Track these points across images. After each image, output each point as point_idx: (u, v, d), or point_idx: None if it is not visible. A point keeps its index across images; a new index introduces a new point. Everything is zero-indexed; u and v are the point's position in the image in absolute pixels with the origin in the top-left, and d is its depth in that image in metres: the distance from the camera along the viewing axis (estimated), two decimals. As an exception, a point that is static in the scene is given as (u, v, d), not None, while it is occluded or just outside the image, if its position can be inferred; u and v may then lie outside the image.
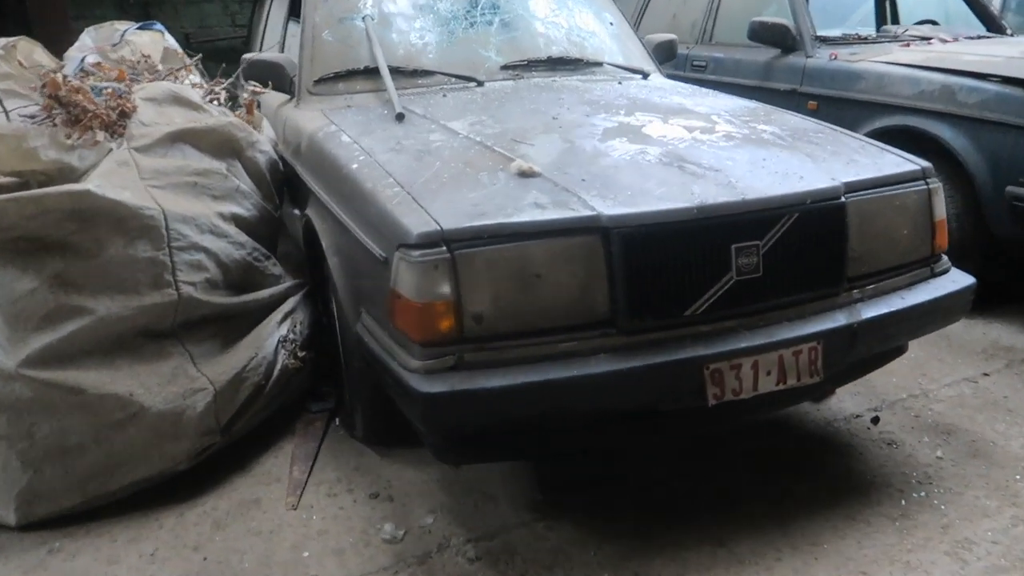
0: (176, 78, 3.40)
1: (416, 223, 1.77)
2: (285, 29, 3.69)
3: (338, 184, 2.19)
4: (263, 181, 2.66)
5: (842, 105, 3.76)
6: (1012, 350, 3.04)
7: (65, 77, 2.19)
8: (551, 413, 1.84)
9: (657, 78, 3.28)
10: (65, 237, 2.00)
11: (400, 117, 2.51)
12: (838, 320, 2.02)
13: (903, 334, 2.20)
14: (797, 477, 2.27)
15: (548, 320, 1.81)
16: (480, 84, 2.93)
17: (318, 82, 2.94)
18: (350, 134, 2.42)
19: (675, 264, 1.86)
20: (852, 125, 3.57)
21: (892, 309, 2.09)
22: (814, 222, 1.99)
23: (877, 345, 2.16)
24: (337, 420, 2.61)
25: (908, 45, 3.99)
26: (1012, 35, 4.49)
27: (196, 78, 3.48)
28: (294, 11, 3.64)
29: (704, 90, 3.11)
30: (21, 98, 2.49)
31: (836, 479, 2.28)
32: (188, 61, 3.81)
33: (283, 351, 2.46)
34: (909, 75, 3.50)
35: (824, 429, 2.55)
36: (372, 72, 2.92)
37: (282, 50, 3.66)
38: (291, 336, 2.51)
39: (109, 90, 2.23)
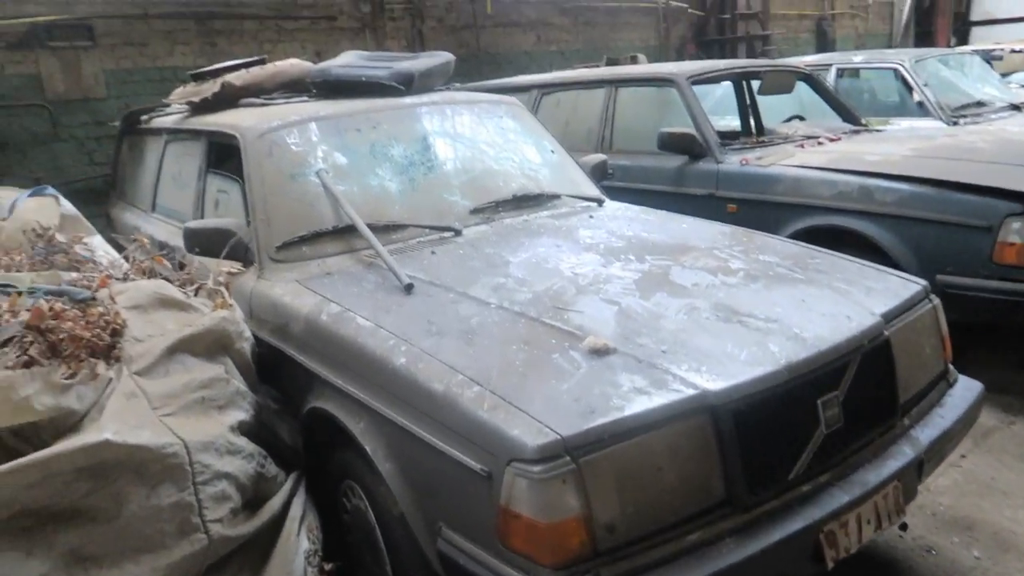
0: (76, 245, 3.01)
1: (529, 433, 1.61)
2: (203, 183, 3.37)
3: (383, 381, 1.97)
4: (249, 371, 2.36)
5: (762, 207, 3.99)
6: (974, 425, 3.26)
7: (48, 303, 1.82)
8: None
9: (612, 204, 3.32)
10: (76, 501, 1.63)
11: (410, 288, 2.33)
12: (906, 454, 2.07)
13: (950, 449, 2.29)
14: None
15: (673, 513, 1.70)
16: (458, 233, 2.81)
17: (281, 248, 2.69)
18: (363, 314, 2.20)
19: (776, 429, 1.84)
20: (775, 225, 3.82)
21: (942, 430, 2.18)
22: (872, 361, 2.05)
23: (935, 467, 2.22)
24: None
25: (803, 146, 4.34)
26: (867, 126, 5.01)
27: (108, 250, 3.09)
28: (213, 163, 3.37)
29: (666, 214, 3.18)
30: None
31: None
32: (87, 224, 3.39)
33: (310, 568, 2.14)
34: (825, 178, 3.78)
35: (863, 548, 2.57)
36: (342, 231, 2.73)
37: (201, 208, 3.34)
38: (312, 547, 2.20)
39: (98, 308, 1.88)
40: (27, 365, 1.74)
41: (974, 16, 15.85)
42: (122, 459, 1.67)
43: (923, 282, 2.42)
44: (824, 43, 13.12)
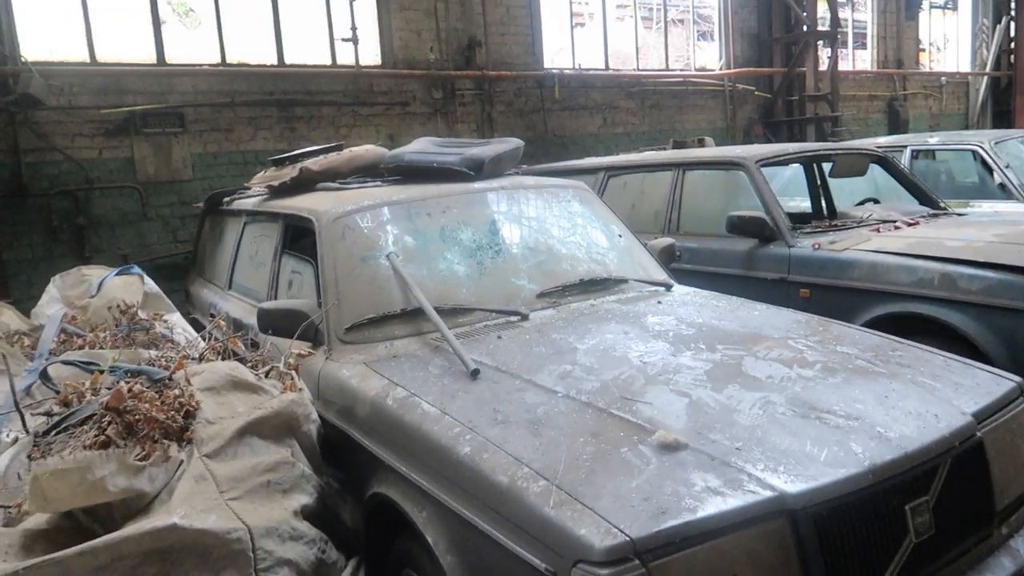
0: (156, 322, 3.11)
1: (597, 534, 1.55)
2: (278, 263, 3.48)
3: (446, 470, 1.94)
4: (315, 454, 2.37)
5: (837, 293, 3.88)
6: None
7: (128, 384, 1.88)
8: None
9: (681, 289, 3.27)
10: (141, 586, 1.63)
11: (475, 374, 2.32)
12: (1006, 567, 1.92)
13: (1055, 564, 2.10)
14: None
15: (750, 625, 1.59)
16: (525, 317, 2.80)
17: (350, 329, 2.73)
18: (428, 400, 2.19)
19: (862, 537, 1.72)
20: (850, 312, 3.70)
21: (1046, 542, 2.01)
22: (964, 464, 1.92)
23: (1037, 583, 2.04)
24: None
25: (879, 230, 4.23)
26: (947, 209, 4.87)
27: (186, 327, 3.19)
28: (288, 245, 3.48)
29: (738, 300, 3.11)
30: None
31: None
32: (168, 302, 3.53)
33: (367, 660, 2.08)
34: (903, 264, 3.66)
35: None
36: (409, 314, 2.75)
37: (275, 288, 3.43)
38: (370, 640, 2.14)
39: (174, 391, 1.93)
40: (104, 445, 1.78)
41: (1055, 95, 15.46)
42: (188, 543, 1.68)
43: (1018, 378, 2.28)
44: (896, 124, 12.99)
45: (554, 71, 8.74)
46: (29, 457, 1.83)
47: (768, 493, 1.66)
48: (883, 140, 6.94)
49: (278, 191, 3.79)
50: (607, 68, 9.70)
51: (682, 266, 4.66)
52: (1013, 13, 14.82)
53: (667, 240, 3.72)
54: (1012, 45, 14.92)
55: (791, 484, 1.68)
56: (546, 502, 1.67)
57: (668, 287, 3.25)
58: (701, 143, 6.42)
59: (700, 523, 1.58)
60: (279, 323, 2.77)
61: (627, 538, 1.53)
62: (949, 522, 1.86)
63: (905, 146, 6.47)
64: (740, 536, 1.60)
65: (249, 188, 4.39)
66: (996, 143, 5.97)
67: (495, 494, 1.78)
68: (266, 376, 2.29)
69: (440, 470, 1.97)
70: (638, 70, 10.03)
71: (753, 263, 4.34)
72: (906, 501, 1.79)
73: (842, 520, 1.69)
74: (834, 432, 1.88)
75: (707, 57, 11.19)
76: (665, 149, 6.31)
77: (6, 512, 1.82)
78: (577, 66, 9.34)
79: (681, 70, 10.61)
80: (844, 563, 1.68)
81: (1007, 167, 5.74)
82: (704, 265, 4.55)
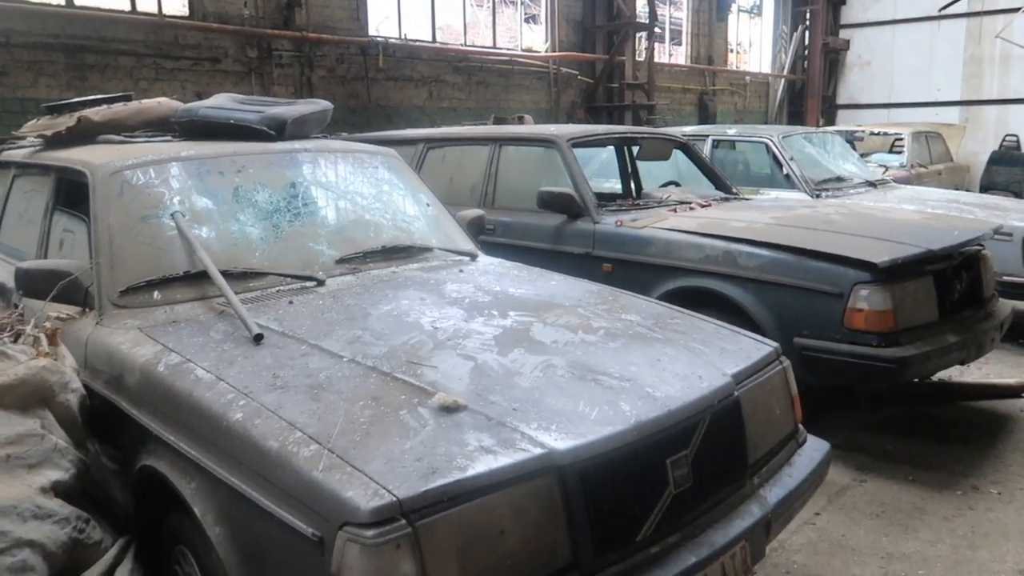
0: None
1: (364, 495, 1.52)
2: (48, 221, 3.14)
3: (216, 438, 1.83)
4: (75, 426, 2.16)
5: (635, 267, 4.09)
6: (827, 484, 3.37)
7: None
8: None
9: (484, 259, 3.30)
10: None
11: (259, 339, 2.21)
12: (754, 513, 2.09)
13: (798, 508, 2.33)
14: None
15: (516, 579, 1.63)
16: (321, 283, 2.71)
17: (125, 293, 2.51)
18: (204, 366, 2.06)
19: (624, 490, 1.81)
20: (647, 286, 3.92)
21: (790, 489, 2.23)
22: (722, 420, 2.08)
23: (782, 527, 2.26)
24: None
25: (675, 210, 4.50)
26: (738, 195, 5.27)
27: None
28: (61, 201, 3.15)
29: (538, 271, 3.18)
30: None
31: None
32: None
33: (130, 646, 1.94)
34: (693, 241, 3.92)
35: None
36: (194, 277, 2.58)
37: (45, 248, 3.10)
38: (136, 622, 2.00)
39: None
40: None
41: (840, 100, 17.25)
42: None
43: (774, 344, 2.50)
44: (706, 116, 13.92)
45: (379, 39, 8.54)
46: None
47: (537, 451, 1.70)
48: (688, 129, 7.40)
49: (52, 142, 3.41)
50: (434, 41, 9.62)
51: (496, 239, 4.72)
52: (808, 23, 16.30)
53: (476, 211, 3.73)
54: (806, 52, 16.42)
55: (560, 441, 1.74)
56: (315, 466, 1.61)
57: (473, 257, 3.27)
58: (520, 120, 6.52)
59: (468, 481, 1.59)
60: (40, 285, 2.49)
61: (394, 498, 1.51)
62: (706, 474, 2.00)
63: (707, 136, 6.94)
64: (508, 493, 1.63)
65: (22, 138, 3.93)
66: (783, 137, 6.54)
67: (264, 460, 1.70)
68: (14, 341, 2.05)
69: (210, 439, 1.86)
70: (466, 45, 10.03)
71: (561, 238, 4.47)
72: (668, 455, 1.90)
73: (607, 475, 1.77)
74: (607, 392, 1.97)
75: (534, 39, 11.39)
76: (487, 125, 6.36)
77: None
78: (404, 36, 9.19)
79: (508, 50, 10.73)
80: (608, 515, 1.76)
81: (791, 159, 6.31)
82: (516, 239, 4.63)
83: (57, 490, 1.92)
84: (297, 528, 1.58)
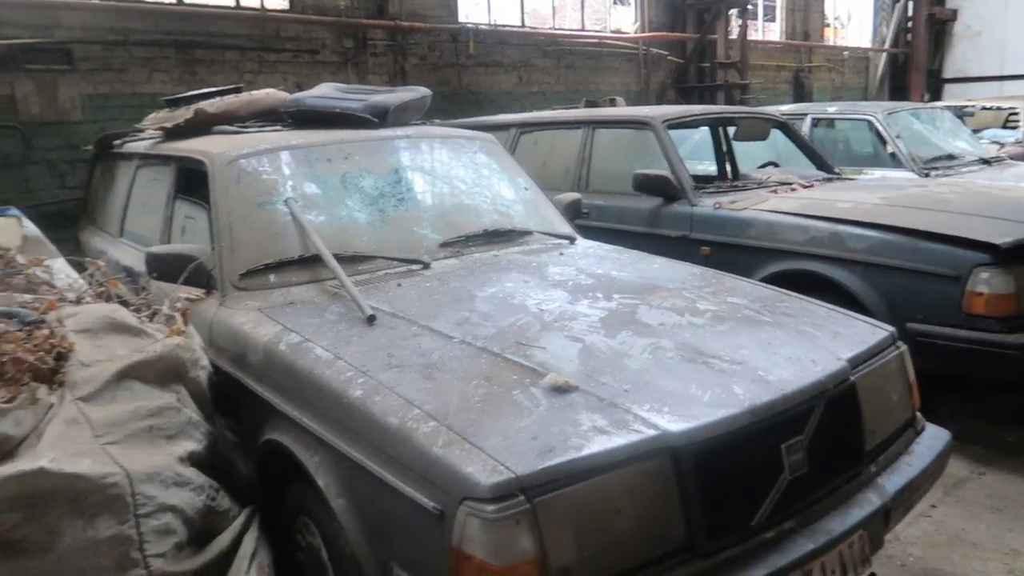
0: (36, 267, 2.93)
1: (483, 471, 1.56)
2: (170, 208, 3.32)
3: (338, 414, 1.91)
4: (205, 401, 2.29)
5: (734, 250, 4.00)
6: (943, 475, 3.24)
7: (-10, 323, 1.76)
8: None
9: (584, 242, 3.30)
10: (7, 533, 1.55)
11: (372, 320, 2.28)
12: (872, 502, 2.03)
13: (917, 499, 2.25)
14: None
15: (630, 558, 1.64)
16: (426, 266, 2.77)
17: (244, 275, 2.64)
18: (322, 345, 2.15)
19: (738, 474, 1.80)
20: (747, 269, 3.83)
21: (909, 479, 2.15)
22: (837, 406, 2.02)
23: (901, 517, 2.19)
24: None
25: (776, 191, 4.37)
26: (840, 175, 5.07)
27: (69, 273, 3.01)
28: (182, 189, 3.32)
29: (637, 253, 3.16)
30: None
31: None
32: (50, 247, 3.33)
33: (257, 608, 2.05)
34: (797, 223, 3.81)
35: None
36: (307, 261, 2.68)
37: (168, 234, 3.28)
38: (261, 586, 2.11)
39: (44, 331, 1.82)
40: (-36, 388, 1.67)
41: (947, 74, 16.33)
42: (58, 488, 1.60)
43: (890, 328, 2.41)
44: (801, 94, 13.42)
45: (469, 25, 8.59)
46: None
47: (651, 432, 1.70)
48: (785, 108, 7.16)
49: (172, 133, 3.61)
50: (523, 26, 9.62)
51: (590, 223, 4.69)
52: (912, -8, 15.45)
53: (573, 195, 3.73)
54: (909, 24, 15.58)
55: (674, 423, 1.73)
56: (435, 442, 1.66)
57: (572, 240, 3.28)
58: (612, 103, 6.47)
59: (585, 460, 1.61)
60: (167, 268, 2.64)
61: (513, 475, 1.54)
62: (822, 460, 1.95)
63: (806, 114, 6.69)
64: (623, 473, 1.65)
65: (142, 131, 4.16)
66: (888, 114, 6.24)
67: (385, 436, 1.76)
68: (151, 320, 2.19)
69: (331, 414, 1.94)
70: (554, 29, 9.98)
71: (657, 221, 4.42)
72: (782, 440, 1.87)
73: (721, 458, 1.75)
74: (718, 375, 1.95)
75: (622, 20, 11.23)
76: (578, 108, 6.32)
77: None
78: (493, 22, 9.22)
79: (597, 32, 10.62)
80: (722, 498, 1.75)
81: (898, 137, 6.02)
82: (611, 222, 4.60)
83: (192, 460, 2.05)
84: (418, 501, 1.64)
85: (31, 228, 3.23)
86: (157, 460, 1.86)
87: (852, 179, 4.96)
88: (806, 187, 4.46)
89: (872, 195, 4.08)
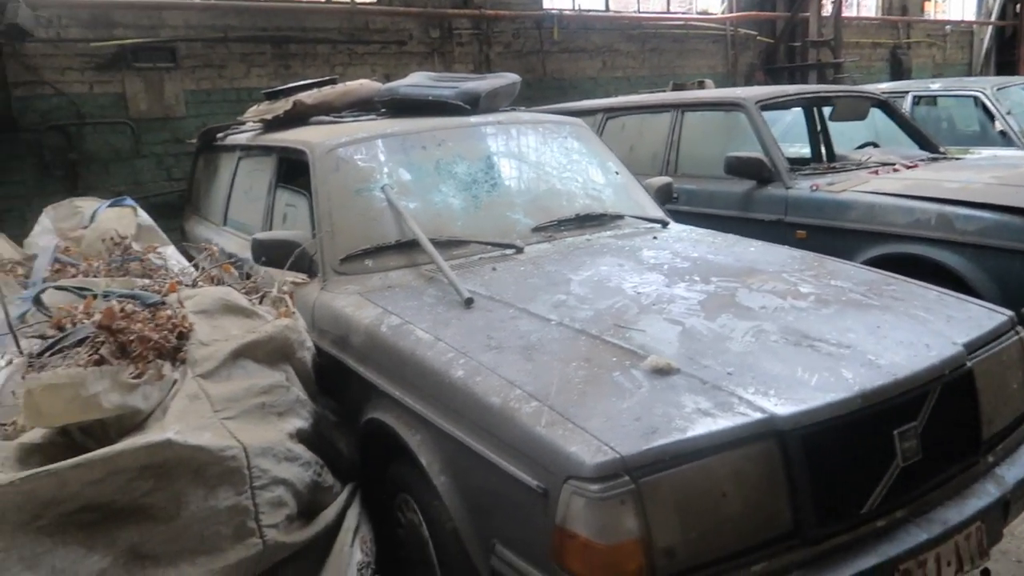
0: (151, 254, 3.10)
1: (588, 451, 1.56)
2: (272, 197, 3.45)
3: (440, 394, 1.95)
4: (309, 380, 2.38)
5: (833, 234, 3.87)
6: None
7: (120, 304, 1.88)
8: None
9: (676, 226, 3.26)
10: (138, 499, 1.65)
11: (469, 303, 2.32)
12: (991, 493, 1.95)
13: (1039, 492, 2.14)
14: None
15: (736, 541, 1.62)
16: (520, 250, 2.79)
17: (344, 260, 2.72)
18: (422, 327, 2.20)
19: (849, 459, 1.75)
20: (847, 253, 3.68)
21: (1030, 470, 2.04)
22: (953, 392, 1.94)
23: (1021, 510, 2.08)
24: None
25: (876, 172, 4.20)
26: (946, 154, 4.82)
27: (180, 259, 3.17)
28: (283, 178, 3.44)
29: (733, 237, 3.10)
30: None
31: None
32: (162, 235, 3.51)
33: (362, 581, 2.12)
34: (901, 205, 3.65)
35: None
36: (404, 246, 2.74)
37: (269, 221, 3.41)
38: (366, 559, 2.19)
39: (167, 312, 1.93)
40: (98, 364, 1.79)
41: (1060, 46, 15.23)
42: (183, 459, 1.69)
43: (1009, 312, 2.29)
44: (899, 72, 12.80)
45: (553, 12, 8.56)
46: (24, 377, 1.83)
47: (757, 415, 1.67)
48: (884, 86, 6.86)
49: (272, 125, 3.74)
50: (607, 10, 9.51)
51: (679, 207, 4.62)
52: (1023, -40, 14.50)
53: (664, 179, 3.69)
54: (1020, -7, 14.62)
55: (781, 407, 1.70)
56: (538, 422, 1.68)
57: (664, 224, 3.24)
58: (701, 85, 6.33)
59: (690, 442, 1.60)
60: (272, 253, 2.75)
61: (617, 455, 1.55)
62: (937, 448, 1.88)
63: (907, 92, 6.40)
64: (729, 456, 1.62)
65: (243, 123, 4.33)
66: (998, 89, 5.90)
67: (488, 415, 1.79)
68: (259, 303, 2.28)
69: (433, 394, 1.98)
70: (639, 13, 9.84)
71: (750, 204, 4.32)
72: (895, 426, 1.81)
73: (830, 443, 1.70)
74: (825, 359, 1.89)
75: (709, 1, 10.96)
76: (664, 92, 6.22)
77: (2, 430, 1.84)
78: (577, 8, 9.15)
79: (682, 14, 10.41)
80: (831, 484, 1.71)
81: (1008, 113, 5.68)
82: (702, 207, 4.52)
83: (300, 437, 2.13)
84: (522, 480, 1.66)
85: (145, 217, 3.42)
86: (270, 435, 1.95)
87: (959, 159, 4.71)
88: (910, 167, 4.26)
89: (983, 174, 3.86)
